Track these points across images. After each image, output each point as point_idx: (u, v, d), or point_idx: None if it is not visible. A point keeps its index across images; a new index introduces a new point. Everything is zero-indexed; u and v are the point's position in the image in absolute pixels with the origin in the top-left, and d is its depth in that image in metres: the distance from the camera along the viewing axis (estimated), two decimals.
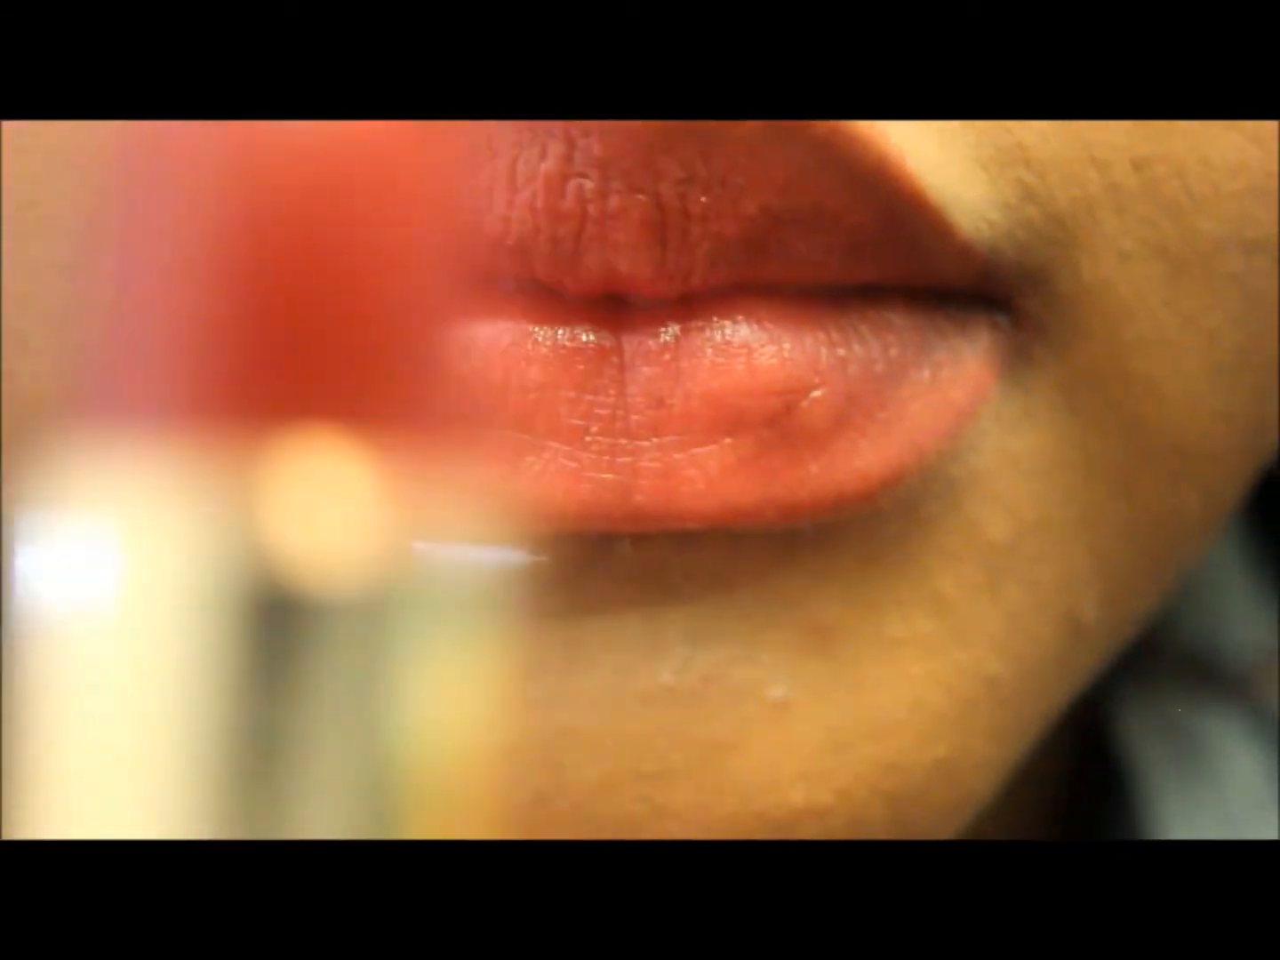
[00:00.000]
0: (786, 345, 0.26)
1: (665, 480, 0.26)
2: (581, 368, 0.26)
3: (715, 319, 0.26)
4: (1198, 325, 0.27)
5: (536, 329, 0.26)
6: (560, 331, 0.26)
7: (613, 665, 0.27)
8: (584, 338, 0.26)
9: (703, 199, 0.25)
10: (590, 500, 0.26)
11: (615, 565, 0.27)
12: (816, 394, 0.26)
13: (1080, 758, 0.37)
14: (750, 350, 0.26)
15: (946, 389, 0.27)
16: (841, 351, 0.26)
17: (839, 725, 0.27)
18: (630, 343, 0.26)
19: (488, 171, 0.25)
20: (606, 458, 0.26)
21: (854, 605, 0.27)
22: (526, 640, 0.27)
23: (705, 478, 0.26)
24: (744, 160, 0.25)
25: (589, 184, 0.25)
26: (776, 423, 0.26)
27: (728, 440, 0.26)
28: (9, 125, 0.27)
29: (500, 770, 0.26)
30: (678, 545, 0.27)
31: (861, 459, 0.26)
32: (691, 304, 0.26)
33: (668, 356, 0.26)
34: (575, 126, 0.25)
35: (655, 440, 0.26)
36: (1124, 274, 0.27)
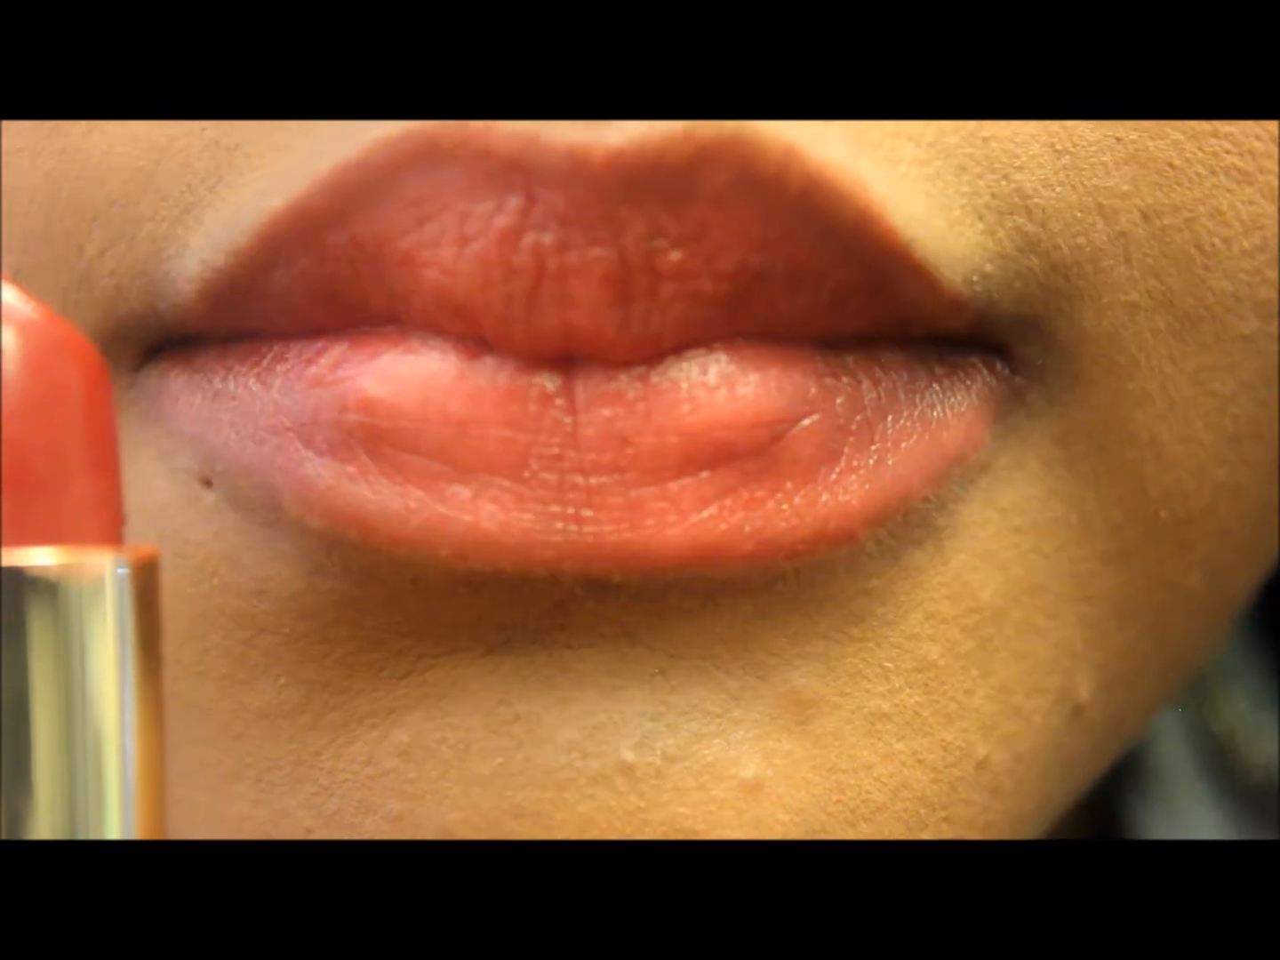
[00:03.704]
0: (773, 373, 0.24)
1: (629, 513, 0.24)
2: (516, 407, 0.24)
3: (688, 353, 0.24)
4: (1207, 387, 0.26)
5: (466, 364, 0.24)
6: (496, 370, 0.24)
7: (566, 741, 0.25)
8: (525, 379, 0.24)
9: (674, 255, 0.24)
10: (534, 529, 0.24)
11: (571, 627, 0.25)
12: (807, 422, 0.25)
13: None
14: (733, 382, 0.24)
15: (937, 430, 0.25)
16: (830, 382, 0.25)
17: (814, 809, 0.26)
18: (584, 385, 0.24)
19: (435, 224, 0.24)
20: (554, 491, 0.24)
21: (835, 675, 0.26)
22: (475, 713, 0.25)
23: (677, 509, 0.24)
24: (716, 216, 0.23)
25: (547, 238, 0.23)
26: (764, 453, 0.24)
27: (706, 474, 0.24)
28: None
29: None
30: (641, 600, 0.25)
31: (847, 493, 0.25)
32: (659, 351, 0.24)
33: (631, 395, 0.24)
34: (535, 177, 0.23)
35: (617, 476, 0.24)
36: (1130, 326, 0.25)
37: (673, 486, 0.24)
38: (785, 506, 0.24)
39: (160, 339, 0.26)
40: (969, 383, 0.26)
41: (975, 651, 0.26)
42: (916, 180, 0.24)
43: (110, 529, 0.20)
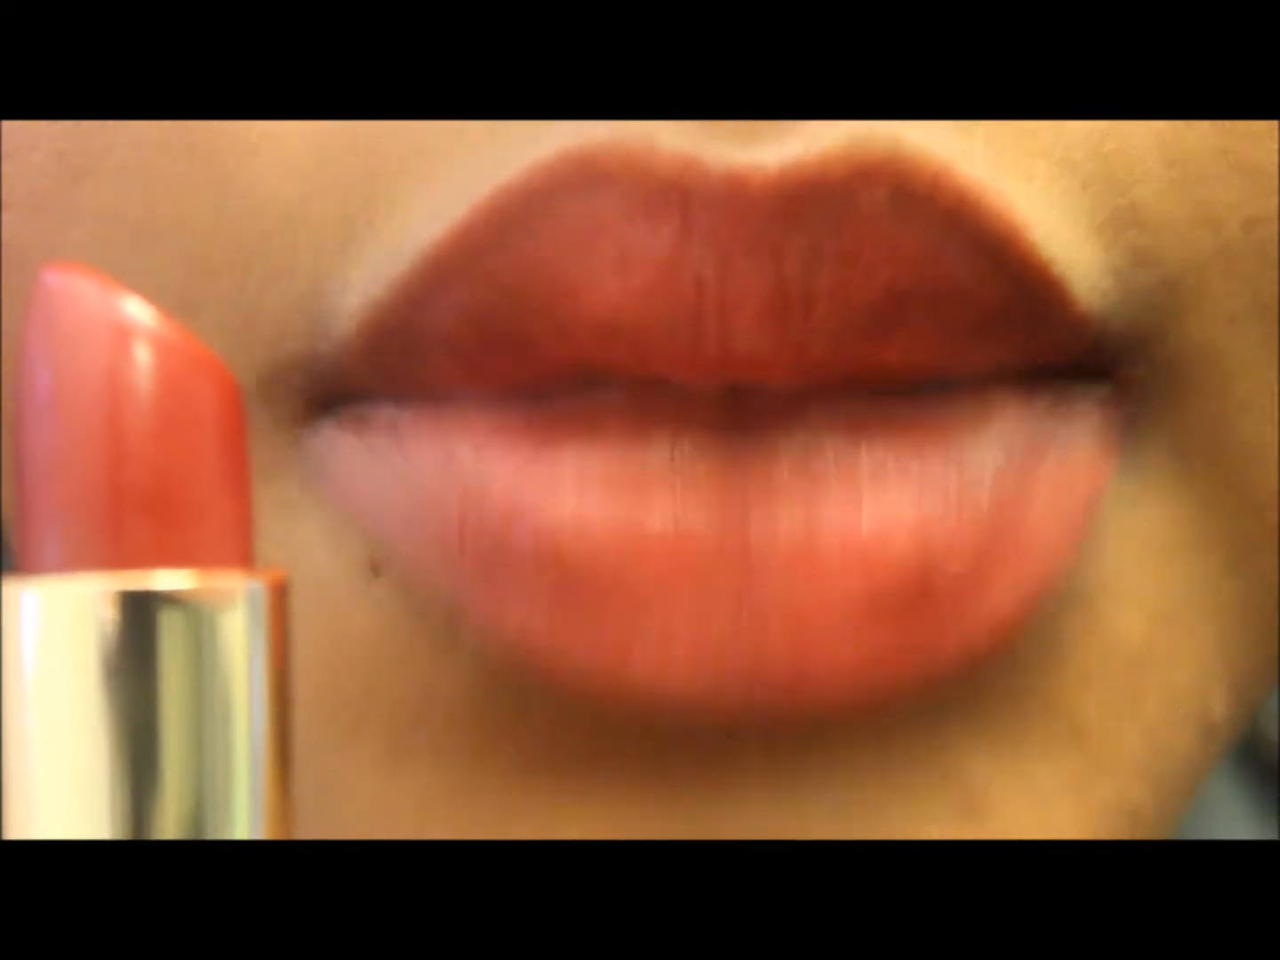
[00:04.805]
0: (921, 495, 0.24)
1: (799, 650, 0.24)
2: (697, 561, 0.24)
3: (841, 462, 0.24)
4: None
5: (650, 516, 0.24)
6: (675, 518, 0.24)
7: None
8: (703, 525, 0.24)
9: (829, 276, 0.23)
10: (716, 682, 0.24)
11: (741, 753, 0.25)
12: (954, 536, 0.25)
13: None
14: (886, 530, 0.24)
15: (1068, 487, 0.25)
16: (973, 475, 0.25)
17: None
18: (756, 529, 0.24)
19: (595, 252, 0.23)
20: (730, 632, 0.24)
21: (1002, 755, 0.26)
22: (642, 822, 0.26)
23: (844, 642, 0.24)
24: (872, 234, 0.23)
25: (708, 265, 0.23)
26: (916, 572, 0.24)
27: (864, 599, 0.24)
28: None
29: None
30: (807, 743, 0.25)
31: (1001, 595, 0.25)
32: (810, 426, 0.25)
33: (796, 548, 0.24)
34: (692, 199, 0.23)
35: (784, 611, 0.24)
36: (1230, 333, 0.25)
37: (835, 619, 0.24)
38: (942, 625, 0.25)
39: (323, 393, 0.25)
40: (1085, 419, 0.26)
41: (1125, 700, 0.26)
42: (1049, 197, 0.24)
43: (243, 551, 0.21)
